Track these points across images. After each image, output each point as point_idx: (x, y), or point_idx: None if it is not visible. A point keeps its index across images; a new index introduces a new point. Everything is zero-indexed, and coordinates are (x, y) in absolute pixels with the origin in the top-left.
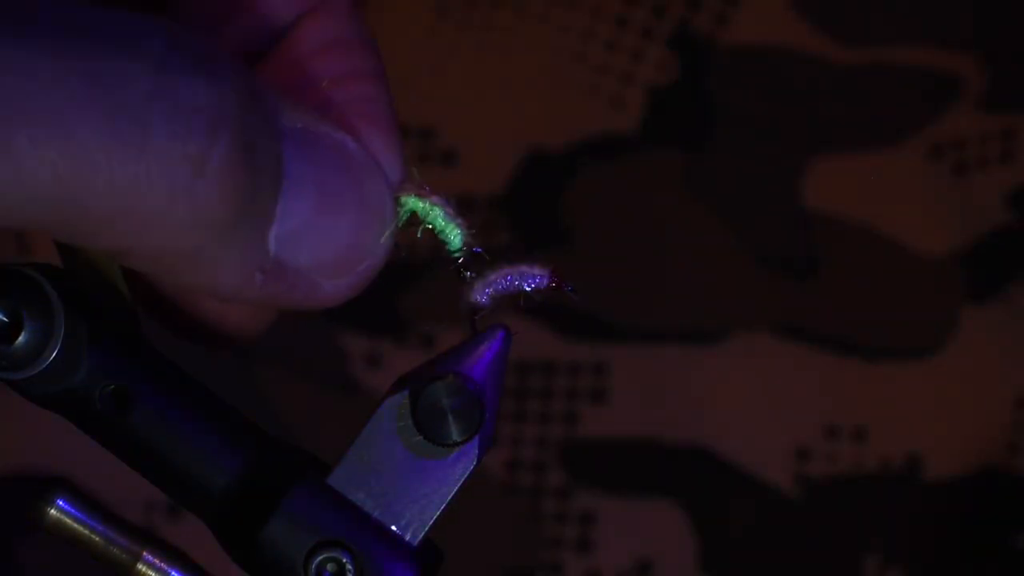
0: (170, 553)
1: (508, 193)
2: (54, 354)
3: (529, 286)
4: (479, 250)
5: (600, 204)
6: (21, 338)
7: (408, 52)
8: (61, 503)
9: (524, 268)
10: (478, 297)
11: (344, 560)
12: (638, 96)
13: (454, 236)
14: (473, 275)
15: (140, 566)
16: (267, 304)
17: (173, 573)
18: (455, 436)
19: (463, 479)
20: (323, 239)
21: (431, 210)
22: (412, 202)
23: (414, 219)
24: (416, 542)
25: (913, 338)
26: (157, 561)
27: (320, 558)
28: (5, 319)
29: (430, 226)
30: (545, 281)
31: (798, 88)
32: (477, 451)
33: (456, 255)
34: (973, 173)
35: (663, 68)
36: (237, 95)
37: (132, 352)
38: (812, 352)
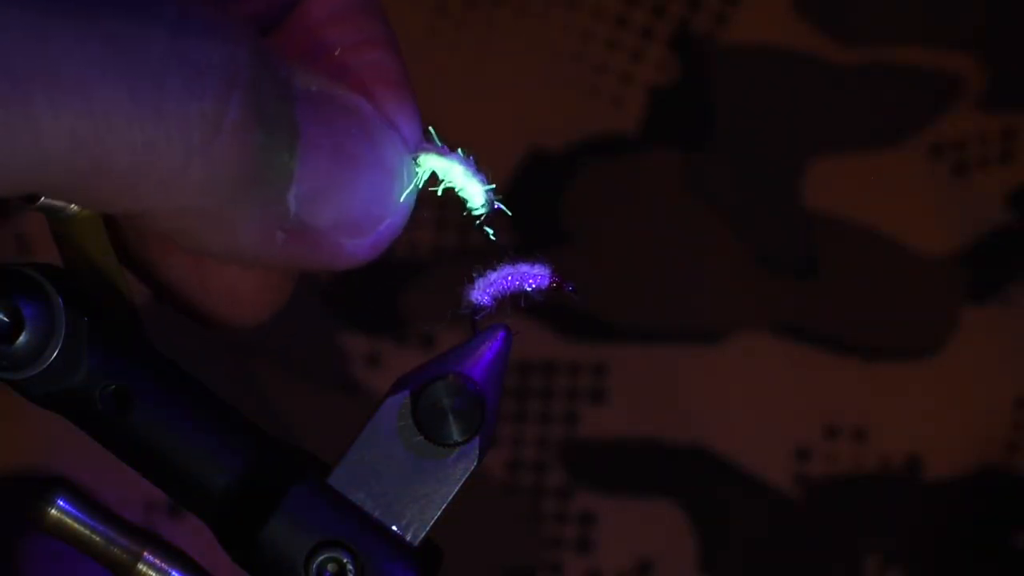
0: (170, 553)
1: (508, 193)
2: (54, 354)
3: (529, 286)
4: (500, 206)
5: (600, 204)
6: (21, 338)
7: (408, 52)
8: (61, 503)
9: (524, 268)
10: (478, 297)
11: (344, 560)
12: (638, 96)
13: (476, 193)
14: (482, 273)
15: (140, 566)
16: (289, 266)
17: (173, 573)
18: (455, 436)
19: (463, 479)
20: (343, 198)
21: (451, 168)
22: (432, 161)
23: (434, 179)
24: (416, 542)
25: (913, 338)
26: (157, 561)
27: (320, 558)
28: (5, 319)
29: (451, 185)
30: (545, 281)
31: (798, 88)
32: (477, 451)
33: (479, 212)
34: (973, 173)
35: (663, 68)
36: (249, 55)
37: (132, 352)
38: (812, 352)
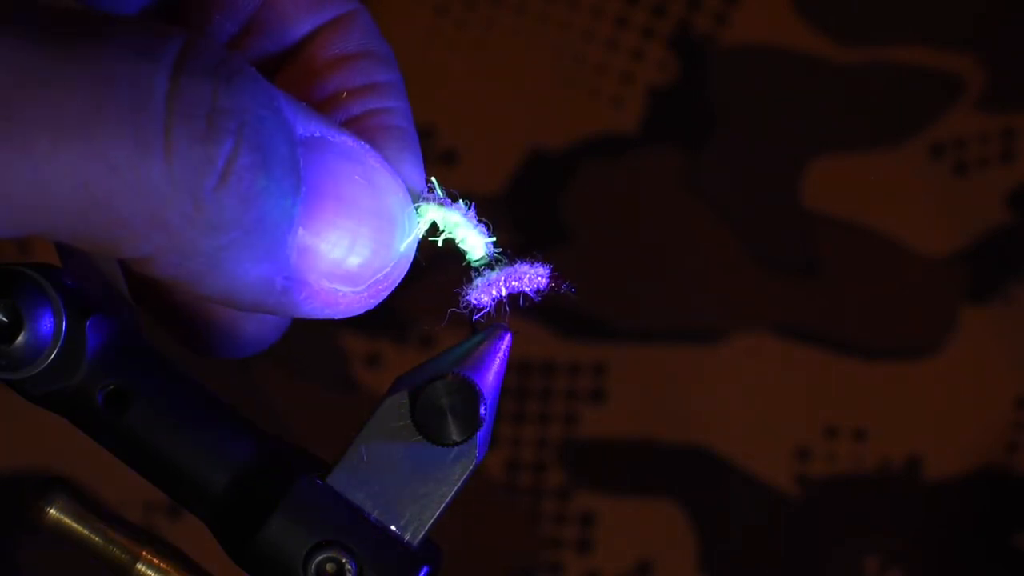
0: (170, 553)
1: (508, 193)
2: (54, 354)
3: (529, 286)
4: (495, 253)
5: (600, 204)
6: (21, 338)
7: (408, 52)
8: (61, 503)
9: (524, 268)
10: (478, 297)
11: (344, 560)
12: (638, 96)
13: (475, 246)
14: (482, 274)
15: (140, 566)
16: (286, 314)
17: (173, 573)
18: (455, 436)
19: (463, 479)
20: (343, 247)
21: (451, 219)
22: (433, 211)
23: (434, 229)
24: (416, 542)
25: (913, 338)
26: (157, 561)
27: (319, 558)
28: (5, 319)
29: (451, 236)
30: (544, 281)
31: (798, 88)
32: (477, 451)
33: (477, 264)
34: (973, 173)
35: (663, 68)
36: (255, 100)
37: (132, 352)
38: (812, 352)
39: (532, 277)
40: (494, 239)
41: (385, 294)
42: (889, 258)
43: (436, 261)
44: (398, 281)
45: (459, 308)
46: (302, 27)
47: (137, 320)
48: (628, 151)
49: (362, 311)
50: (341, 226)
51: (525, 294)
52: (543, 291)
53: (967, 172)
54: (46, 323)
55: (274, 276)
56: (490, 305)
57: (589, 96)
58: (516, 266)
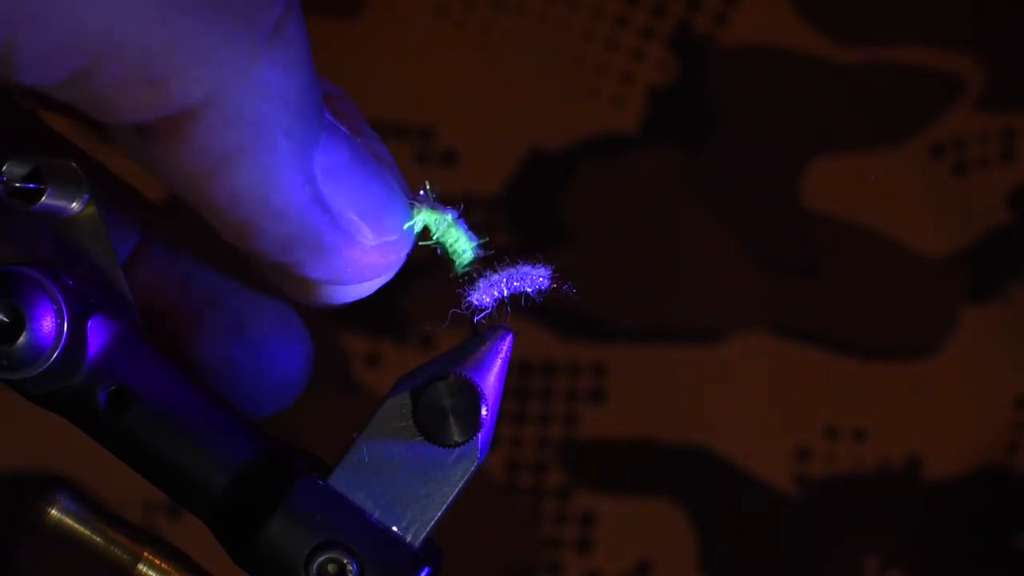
0: (170, 553)
1: (508, 193)
2: (55, 355)
3: (529, 286)
4: (484, 253)
5: (600, 204)
6: (22, 338)
7: (408, 52)
8: (62, 503)
9: (524, 268)
10: (479, 297)
11: (345, 561)
12: (638, 96)
13: (464, 253)
14: (476, 275)
15: (141, 566)
16: (309, 250)
17: (174, 573)
18: (456, 436)
19: (464, 480)
20: (357, 190)
21: (443, 223)
22: (425, 214)
23: (426, 233)
24: (417, 543)
25: (913, 338)
26: (158, 561)
27: (321, 559)
28: (5, 319)
29: (442, 240)
30: (545, 281)
31: (798, 88)
32: (478, 452)
33: (464, 272)
34: (973, 173)
35: (663, 68)
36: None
37: (132, 352)
38: (812, 352)
39: (533, 277)
40: (485, 240)
41: (393, 266)
42: (889, 258)
43: (437, 261)
44: (404, 256)
45: (460, 309)
46: None
47: (138, 320)
48: (628, 151)
49: (374, 279)
50: (356, 173)
51: (526, 295)
52: (544, 292)
53: (967, 172)
54: (47, 323)
55: (303, 185)
56: (491, 306)
57: (589, 96)
58: (518, 267)
